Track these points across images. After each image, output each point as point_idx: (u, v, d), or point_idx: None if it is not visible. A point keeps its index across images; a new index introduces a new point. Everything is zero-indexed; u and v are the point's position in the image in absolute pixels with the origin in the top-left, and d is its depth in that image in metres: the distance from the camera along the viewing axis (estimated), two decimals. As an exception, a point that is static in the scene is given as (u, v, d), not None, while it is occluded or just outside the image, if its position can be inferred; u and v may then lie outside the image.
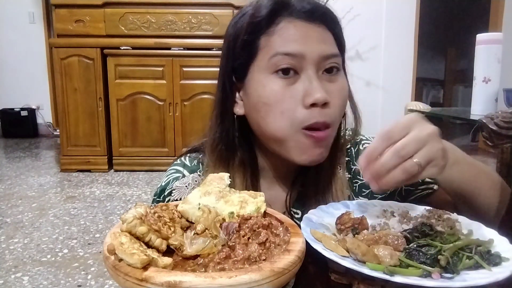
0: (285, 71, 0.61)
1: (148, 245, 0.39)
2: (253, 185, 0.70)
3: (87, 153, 3.62)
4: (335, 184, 0.71)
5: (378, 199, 0.64)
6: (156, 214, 0.43)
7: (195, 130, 3.48)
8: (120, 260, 0.35)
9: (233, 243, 0.41)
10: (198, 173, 0.72)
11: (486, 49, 1.35)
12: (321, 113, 0.61)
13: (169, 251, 0.41)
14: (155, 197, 0.71)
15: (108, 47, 3.49)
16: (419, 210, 0.57)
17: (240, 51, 0.65)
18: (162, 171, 3.35)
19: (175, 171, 0.72)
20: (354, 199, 0.72)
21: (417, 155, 0.48)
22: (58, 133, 3.99)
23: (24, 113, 5.37)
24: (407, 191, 0.72)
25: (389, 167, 0.48)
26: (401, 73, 4.37)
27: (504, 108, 1.30)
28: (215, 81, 0.71)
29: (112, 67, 3.51)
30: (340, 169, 0.73)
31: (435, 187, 0.70)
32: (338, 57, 0.64)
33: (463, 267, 0.43)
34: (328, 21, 0.65)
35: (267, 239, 0.41)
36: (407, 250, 0.44)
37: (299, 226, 0.48)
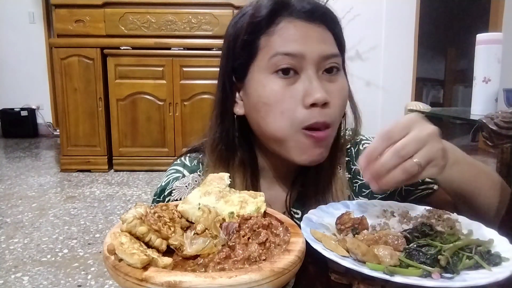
0: (285, 71, 0.61)
1: (148, 245, 0.39)
2: (253, 185, 0.70)
3: (87, 153, 3.62)
4: (335, 184, 0.71)
5: (378, 199, 0.64)
6: (156, 214, 0.43)
7: (195, 130, 3.48)
8: (120, 260, 0.35)
9: (233, 243, 0.41)
10: (198, 173, 0.72)
11: (486, 49, 1.35)
12: (321, 113, 0.61)
13: (169, 251, 0.41)
14: (155, 197, 0.71)
15: (108, 47, 3.49)
16: (419, 210, 0.57)
17: (240, 51, 0.65)
18: (162, 171, 3.36)
19: (175, 171, 0.72)
20: (354, 199, 0.72)
21: (417, 155, 0.48)
22: (58, 133, 3.99)
23: (24, 113, 5.37)
24: (407, 191, 0.72)
25: (389, 167, 0.48)
26: (401, 73, 4.37)
27: (504, 108, 1.30)
28: (215, 81, 0.71)
29: (112, 67, 3.51)
30: (340, 169, 0.73)
31: (435, 187, 0.70)
32: (338, 57, 0.64)
33: (463, 267, 0.43)
34: (328, 21, 0.65)
35: (267, 239, 0.41)
36: (407, 250, 0.44)
37: (299, 226, 0.48)
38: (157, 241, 0.39)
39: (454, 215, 0.53)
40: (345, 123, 0.72)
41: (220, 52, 0.71)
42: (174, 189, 0.70)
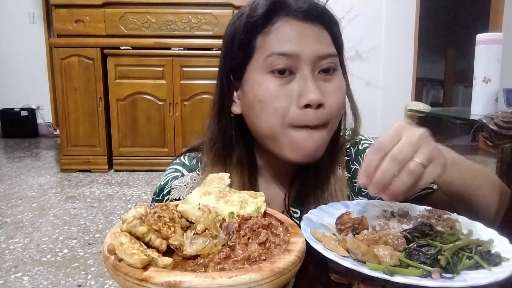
0: (281, 71, 0.61)
1: (148, 245, 0.39)
2: (251, 184, 0.70)
3: (87, 153, 3.62)
4: (334, 184, 0.70)
5: (378, 199, 0.64)
6: (156, 214, 0.43)
7: (195, 130, 3.48)
8: (120, 260, 0.35)
9: (233, 243, 0.41)
10: (197, 172, 0.72)
11: (486, 49, 1.34)
12: (316, 114, 0.60)
13: (169, 251, 0.41)
14: (154, 196, 0.71)
15: (108, 47, 3.49)
16: (419, 210, 0.57)
17: (237, 50, 0.65)
18: (162, 171, 3.34)
19: (174, 170, 0.72)
20: (353, 199, 0.72)
21: (416, 157, 0.47)
22: (58, 133, 3.99)
23: (24, 113, 5.36)
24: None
25: (390, 174, 0.47)
26: (401, 73, 4.38)
27: (504, 108, 1.30)
28: (215, 81, 0.71)
29: (112, 67, 3.51)
30: (340, 168, 0.73)
31: (435, 186, 0.70)
32: (335, 57, 0.64)
33: (463, 267, 0.43)
34: (325, 21, 0.64)
35: (267, 239, 0.41)
36: (407, 250, 0.44)
37: (299, 225, 0.48)
38: (157, 241, 0.39)
39: (454, 215, 0.53)
40: (344, 123, 0.72)
41: (219, 52, 0.71)
42: (173, 188, 0.70)
